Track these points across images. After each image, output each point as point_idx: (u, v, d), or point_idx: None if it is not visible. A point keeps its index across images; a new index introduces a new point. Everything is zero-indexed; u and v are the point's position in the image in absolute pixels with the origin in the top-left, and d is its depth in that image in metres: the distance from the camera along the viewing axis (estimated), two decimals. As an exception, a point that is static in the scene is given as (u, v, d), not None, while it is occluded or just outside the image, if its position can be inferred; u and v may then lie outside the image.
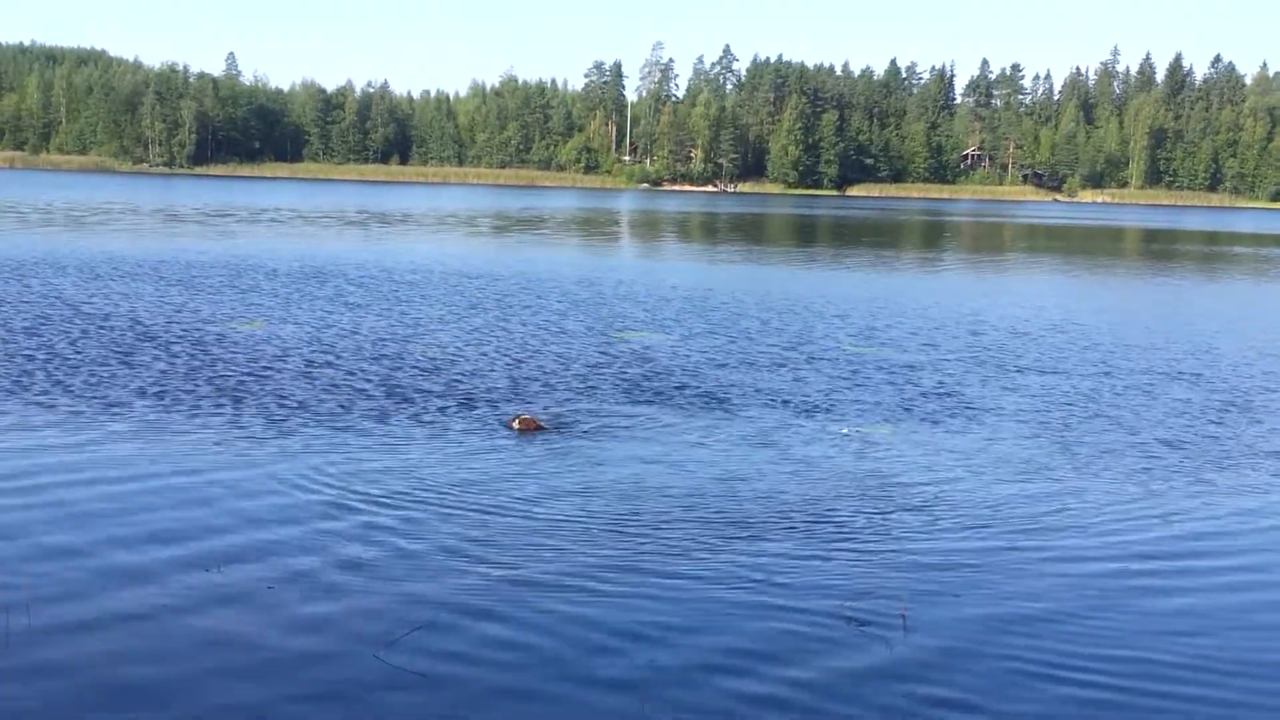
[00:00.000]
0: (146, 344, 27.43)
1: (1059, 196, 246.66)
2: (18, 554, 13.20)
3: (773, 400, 23.69)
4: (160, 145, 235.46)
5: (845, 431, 21.17)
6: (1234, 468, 19.31)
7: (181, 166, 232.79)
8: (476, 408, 21.70)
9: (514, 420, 20.11)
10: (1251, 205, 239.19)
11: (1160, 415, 23.34)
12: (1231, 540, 15.49)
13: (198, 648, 10.98)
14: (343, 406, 21.45)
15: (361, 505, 15.33)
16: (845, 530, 14.94)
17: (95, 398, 21.51)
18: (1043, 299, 46.93)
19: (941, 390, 25.38)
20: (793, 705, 10.16)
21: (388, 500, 15.58)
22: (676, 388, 24.49)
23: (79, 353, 25.91)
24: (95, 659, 10.66)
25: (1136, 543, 14.90)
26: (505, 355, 27.72)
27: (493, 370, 25.68)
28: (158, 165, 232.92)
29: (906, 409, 23.29)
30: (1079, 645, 11.59)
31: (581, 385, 24.34)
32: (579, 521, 14.76)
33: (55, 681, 10.22)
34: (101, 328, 29.48)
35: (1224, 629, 12.33)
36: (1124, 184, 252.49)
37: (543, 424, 20.09)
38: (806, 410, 22.87)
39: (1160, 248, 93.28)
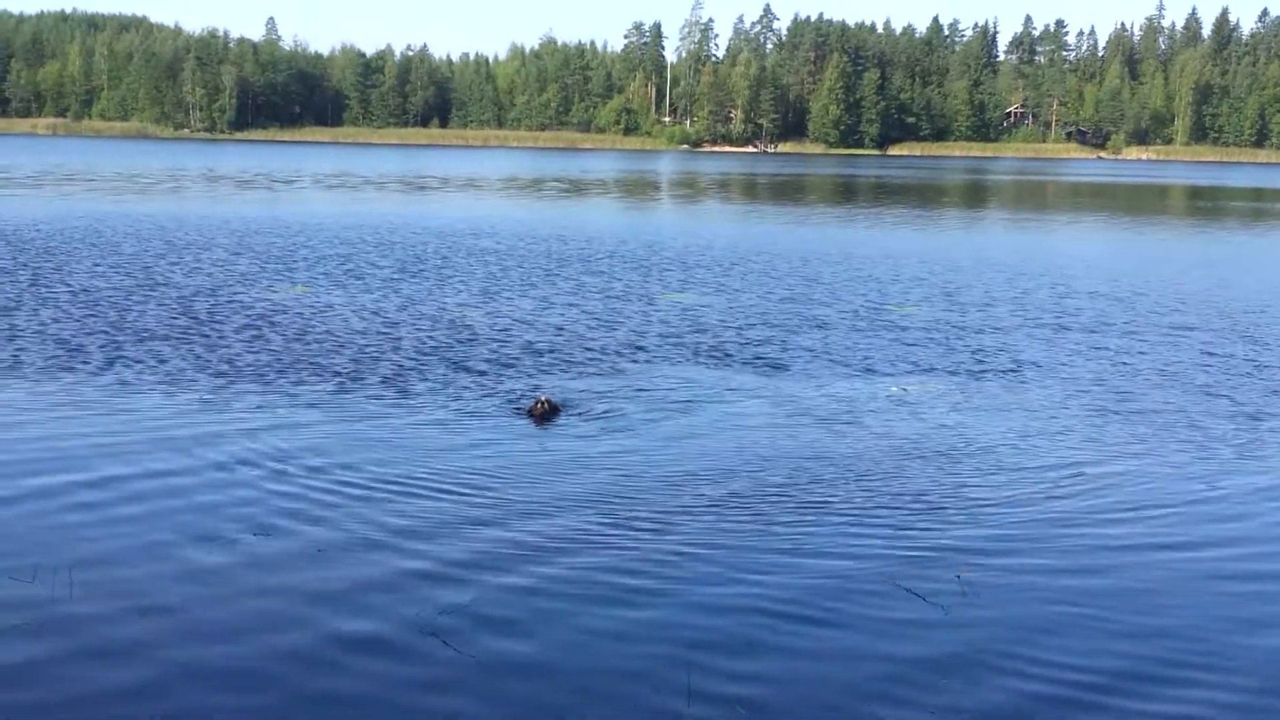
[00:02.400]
0: (190, 307, 27.64)
1: (1103, 154, 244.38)
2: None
3: (819, 360, 23.61)
4: (201, 111, 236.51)
5: (894, 390, 21.12)
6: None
7: (222, 132, 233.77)
8: (507, 376, 21.31)
9: (535, 404, 18.40)
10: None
11: (1220, 376, 22.93)
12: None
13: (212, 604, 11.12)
14: (359, 376, 20.93)
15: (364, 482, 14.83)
16: (899, 493, 14.82)
17: (126, 361, 21.62)
18: (1090, 257, 46.56)
19: (991, 349, 25.22)
20: (847, 674, 10.07)
21: (401, 477, 15.01)
22: (720, 350, 24.37)
23: (121, 319, 26.08)
24: (152, 630, 10.70)
25: (1197, 514, 14.58)
26: (539, 320, 27.58)
27: (524, 335, 25.50)
28: (199, 131, 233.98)
29: (955, 368, 23.15)
30: (1140, 615, 11.42)
31: (623, 348, 24.26)
32: (620, 502, 14.22)
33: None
34: (149, 293, 29.66)
35: None
36: (1169, 141, 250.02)
37: (558, 405, 18.63)
38: (854, 369, 22.79)
39: (1207, 205, 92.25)
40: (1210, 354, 25.23)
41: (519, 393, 19.65)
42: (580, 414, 18.41)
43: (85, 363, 21.29)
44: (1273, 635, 11.09)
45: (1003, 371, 22.98)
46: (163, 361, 21.56)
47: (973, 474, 15.85)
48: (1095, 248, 53.07)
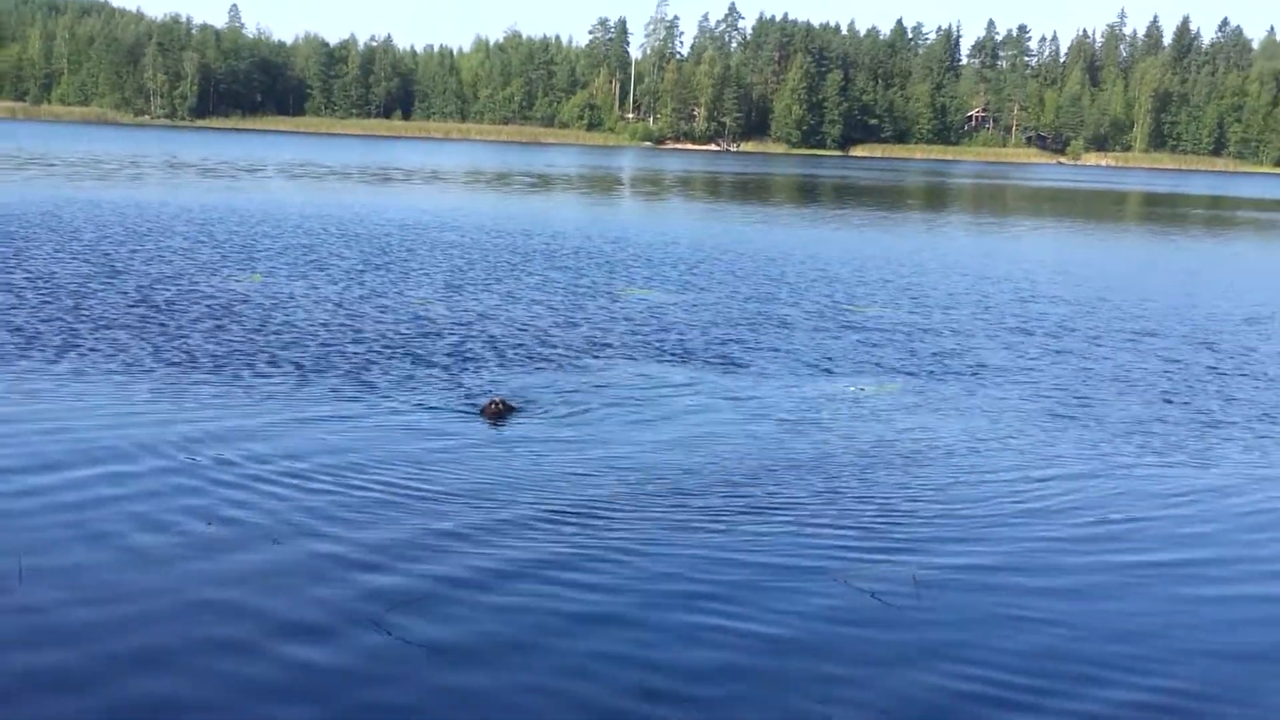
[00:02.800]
0: (148, 296, 27.56)
1: (1062, 159, 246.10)
2: None
3: (778, 359, 23.75)
4: (162, 97, 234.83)
5: (852, 390, 21.32)
6: (1250, 434, 19.43)
7: (183, 118, 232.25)
8: (466, 372, 21.23)
9: (490, 404, 18.03)
10: (1255, 170, 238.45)
11: (1178, 382, 23.20)
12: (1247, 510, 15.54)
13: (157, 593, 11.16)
14: (314, 370, 20.72)
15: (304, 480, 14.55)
16: (855, 493, 14.96)
17: (75, 347, 21.56)
18: (1050, 261, 46.88)
19: (950, 351, 25.43)
20: (802, 674, 10.14)
21: (339, 475, 14.74)
22: (678, 347, 24.47)
23: (68, 304, 26.00)
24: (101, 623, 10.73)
25: (1151, 517, 14.81)
26: (502, 314, 27.59)
27: (487, 329, 25.51)
28: (159, 117, 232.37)
29: (913, 369, 23.35)
30: (1092, 616, 11.61)
31: (581, 345, 24.28)
32: (571, 500, 14.11)
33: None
34: (107, 280, 29.54)
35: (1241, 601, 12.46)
36: (1128, 147, 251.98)
37: (514, 405, 18.26)
38: (813, 369, 22.95)
39: (1165, 212, 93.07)
40: (1168, 360, 25.51)
41: (476, 390, 19.57)
42: (536, 413, 18.20)
43: (40, 350, 21.13)
44: (1223, 633, 11.31)
45: (961, 373, 23.18)
46: (119, 350, 21.41)
47: (929, 475, 15.99)
48: (1056, 252, 53.45)
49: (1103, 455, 17.47)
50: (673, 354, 23.71)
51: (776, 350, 24.69)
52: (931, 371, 23.22)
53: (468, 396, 19.09)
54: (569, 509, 13.62)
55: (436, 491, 14.09)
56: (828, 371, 22.87)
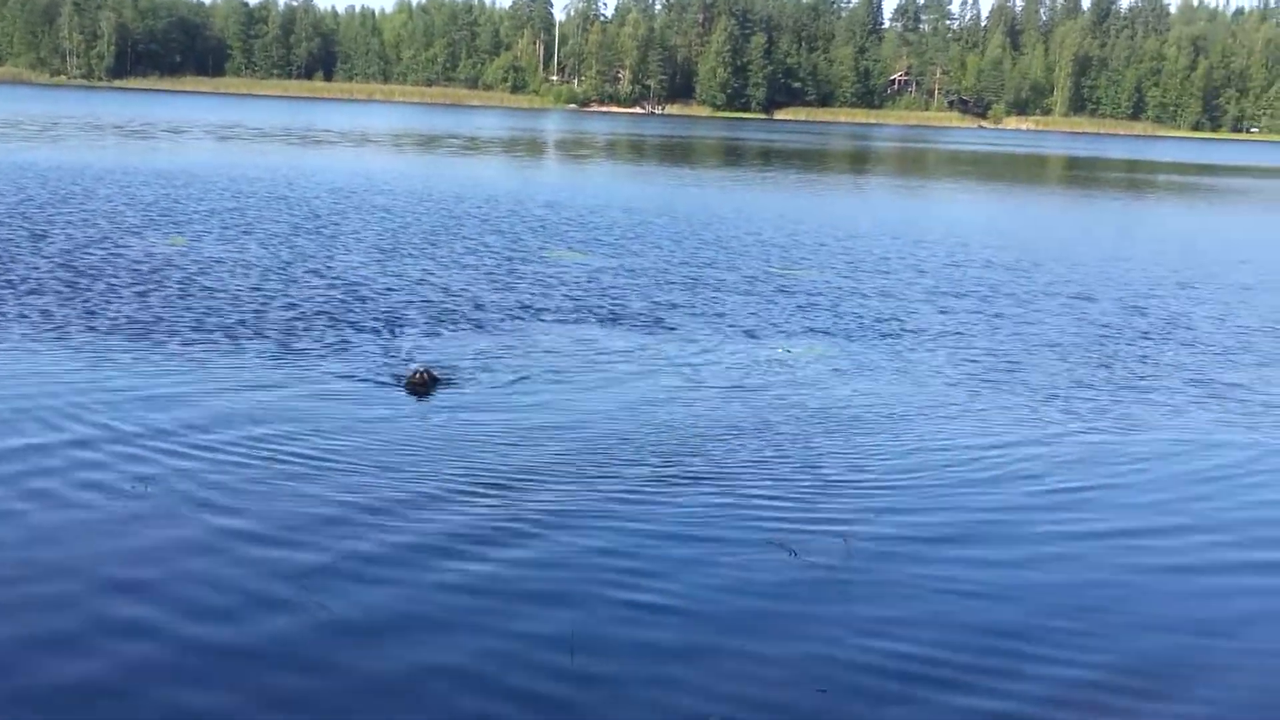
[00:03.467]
0: (61, 258, 26.97)
1: (984, 123, 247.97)
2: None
3: (704, 322, 23.63)
4: (78, 57, 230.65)
5: (782, 351, 21.27)
6: (1164, 391, 19.56)
7: (100, 79, 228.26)
8: (391, 339, 20.82)
9: (414, 375, 17.43)
10: (1173, 134, 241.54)
11: (1105, 346, 23.27)
12: (1152, 461, 15.69)
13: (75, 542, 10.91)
14: (234, 337, 20.25)
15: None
16: (784, 457, 14.86)
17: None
18: (974, 225, 47.12)
19: (877, 313, 25.45)
20: (734, 649, 9.98)
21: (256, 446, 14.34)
22: (609, 311, 24.26)
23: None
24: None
25: (1076, 480, 14.82)
26: (432, 279, 27.21)
27: (416, 295, 25.17)
28: (76, 77, 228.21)
29: (841, 331, 23.37)
30: (1018, 579, 11.61)
31: (510, 309, 24.02)
32: (493, 470, 13.73)
33: None
34: (23, 243, 28.87)
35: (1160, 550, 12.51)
36: (1048, 111, 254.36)
37: (438, 375, 17.74)
38: (738, 331, 22.88)
39: (1086, 175, 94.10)
40: (1101, 323, 25.60)
41: (402, 358, 19.14)
42: (462, 381, 17.80)
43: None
44: (1171, 604, 11.29)
45: (888, 335, 23.18)
46: (31, 315, 20.88)
47: (856, 438, 15.94)
48: (981, 216, 53.78)
49: (1034, 421, 17.48)
50: (603, 318, 23.49)
51: (706, 314, 24.56)
52: (860, 334, 23.19)
53: (393, 365, 18.60)
54: (494, 480, 13.29)
55: (355, 464, 13.66)
56: (752, 334, 22.79)
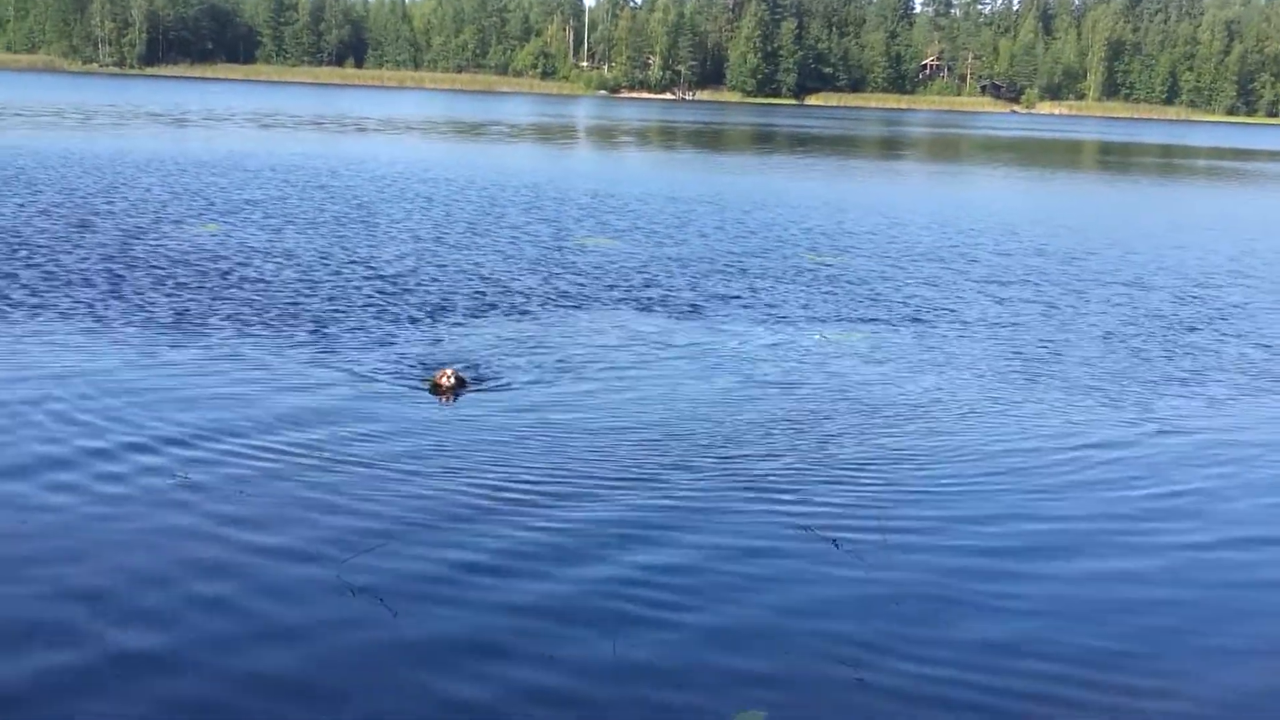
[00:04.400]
0: (94, 243, 27.20)
1: (1016, 108, 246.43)
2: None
3: (738, 309, 23.66)
4: (110, 45, 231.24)
5: (816, 337, 21.25)
6: (1226, 383, 19.38)
7: (132, 67, 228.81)
8: (422, 329, 20.72)
9: (440, 376, 16.62)
10: (1207, 119, 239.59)
11: (1150, 338, 22.96)
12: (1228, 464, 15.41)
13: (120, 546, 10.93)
14: (257, 323, 20.22)
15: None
16: (820, 444, 14.85)
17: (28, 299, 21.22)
18: (1010, 211, 46.88)
19: (915, 300, 25.39)
20: (765, 625, 10.04)
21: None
22: (639, 300, 24.26)
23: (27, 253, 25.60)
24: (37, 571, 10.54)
25: (1117, 473, 14.57)
26: (466, 267, 27.28)
27: (451, 284, 25.16)
28: (108, 65, 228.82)
29: (878, 317, 23.36)
30: (1058, 569, 11.55)
31: (540, 298, 24.08)
32: (527, 470, 13.36)
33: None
34: (70, 231, 29.10)
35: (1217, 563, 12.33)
36: (1081, 96, 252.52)
37: (465, 378, 16.87)
38: (774, 319, 22.87)
39: (1121, 160, 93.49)
40: (1153, 313, 25.29)
41: (435, 354, 18.72)
42: (492, 380, 17.20)
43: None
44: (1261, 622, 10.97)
45: (924, 322, 23.15)
46: (71, 309, 20.95)
47: (893, 425, 15.93)
48: (1021, 201, 53.62)
49: (1072, 405, 17.40)
50: (639, 307, 23.47)
51: (742, 301, 24.58)
52: (894, 320, 23.17)
53: (429, 360, 18.14)
54: (524, 483, 12.97)
55: (384, 470, 13.11)
56: (790, 319, 22.81)
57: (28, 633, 9.30)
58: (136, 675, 8.79)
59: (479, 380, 17.10)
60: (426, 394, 16.40)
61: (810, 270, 28.65)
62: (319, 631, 9.50)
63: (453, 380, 16.55)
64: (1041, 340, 21.98)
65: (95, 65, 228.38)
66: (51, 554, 10.67)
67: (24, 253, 25.73)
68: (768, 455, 14.29)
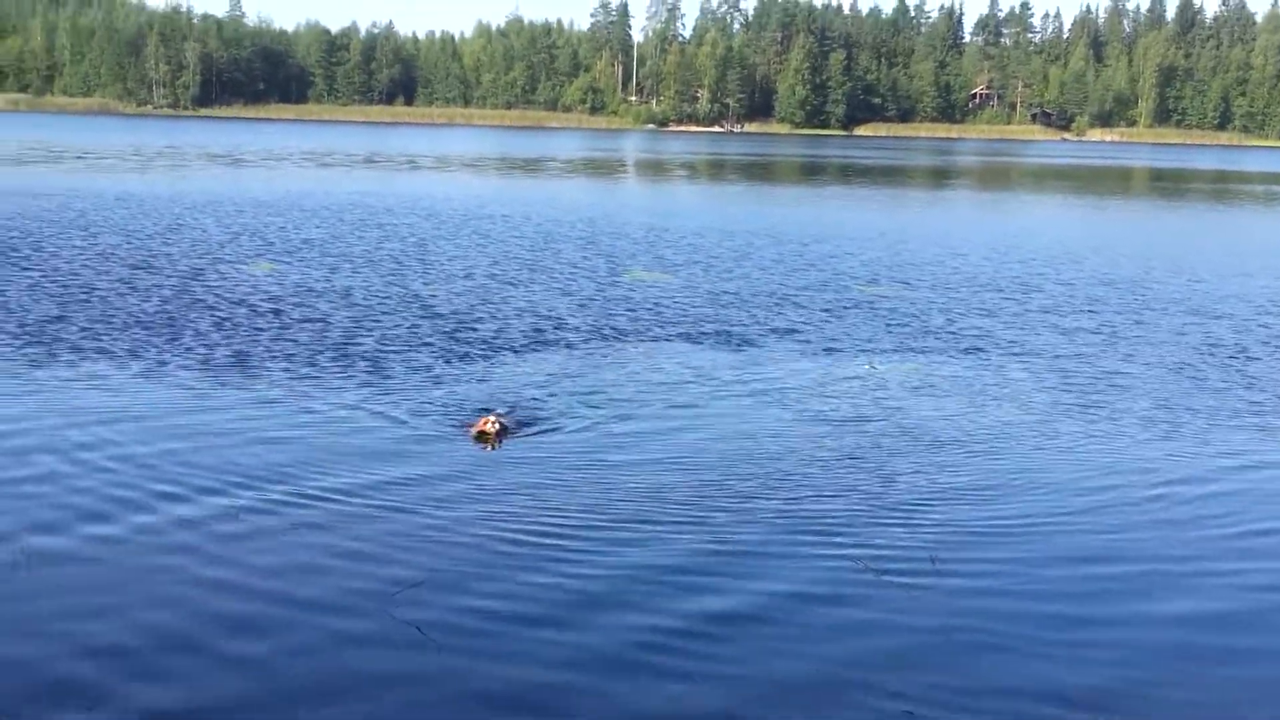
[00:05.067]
0: (148, 280, 27.35)
1: (1067, 135, 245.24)
2: None
3: (787, 340, 23.48)
4: (165, 87, 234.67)
5: (867, 367, 21.07)
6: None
7: (186, 108, 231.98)
8: (466, 364, 20.78)
9: (484, 422, 15.94)
10: (1261, 144, 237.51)
11: (1206, 358, 22.70)
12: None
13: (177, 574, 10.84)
14: (314, 365, 20.07)
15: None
16: (880, 481, 14.60)
17: (74, 342, 21.24)
18: (1065, 239, 46.43)
19: (964, 330, 25.11)
20: (813, 656, 9.91)
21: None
22: (690, 332, 24.15)
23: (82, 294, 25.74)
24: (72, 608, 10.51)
25: (1178, 508, 14.18)
26: (512, 303, 27.18)
27: (496, 318, 25.12)
28: (162, 107, 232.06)
29: (927, 348, 23.09)
30: (1118, 603, 11.28)
31: (588, 331, 24.00)
32: (572, 514, 12.99)
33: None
34: (147, 272, 29.31)
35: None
36: (1133, 123, 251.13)
37: (508, 424, 16.14)
38: (824, 350, 22.71)
39: (1177, 186, 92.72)
40: (1212, 344, 24.78)
41: (480, 391, 18.61)
42: (538, 422, 16.73)
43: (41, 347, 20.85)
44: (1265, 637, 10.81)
45: (986, 353, 22.88)
46: (131, 351, 20.97)
47: (945, 457, 15.67)
48: (1070, 231, 53.10)
49: (1132, 439, 17.03)
50: (689, 341, 23.31)
51: (784, 330, 24.41)
52: (945, 350, 22.89)
53: (470, 402, 17.79)
54: (569, 526, 12.71)
55: (419, 517, 12.83)
56: (839, 350, 22.65)
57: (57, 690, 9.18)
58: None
59: (522, 425, 16.50)
60: (472, 438, 15.79)
61: (868, 302, 28.39)
62: (360, 686, 9.31)
63: (496, 427, 15.80)
64: (1106, 371, 21.54)
65: (150, 107, 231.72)
66: (83, 608, 10.48)
67: (81, 295, 25.81)
68: (824, 495, 14.01)
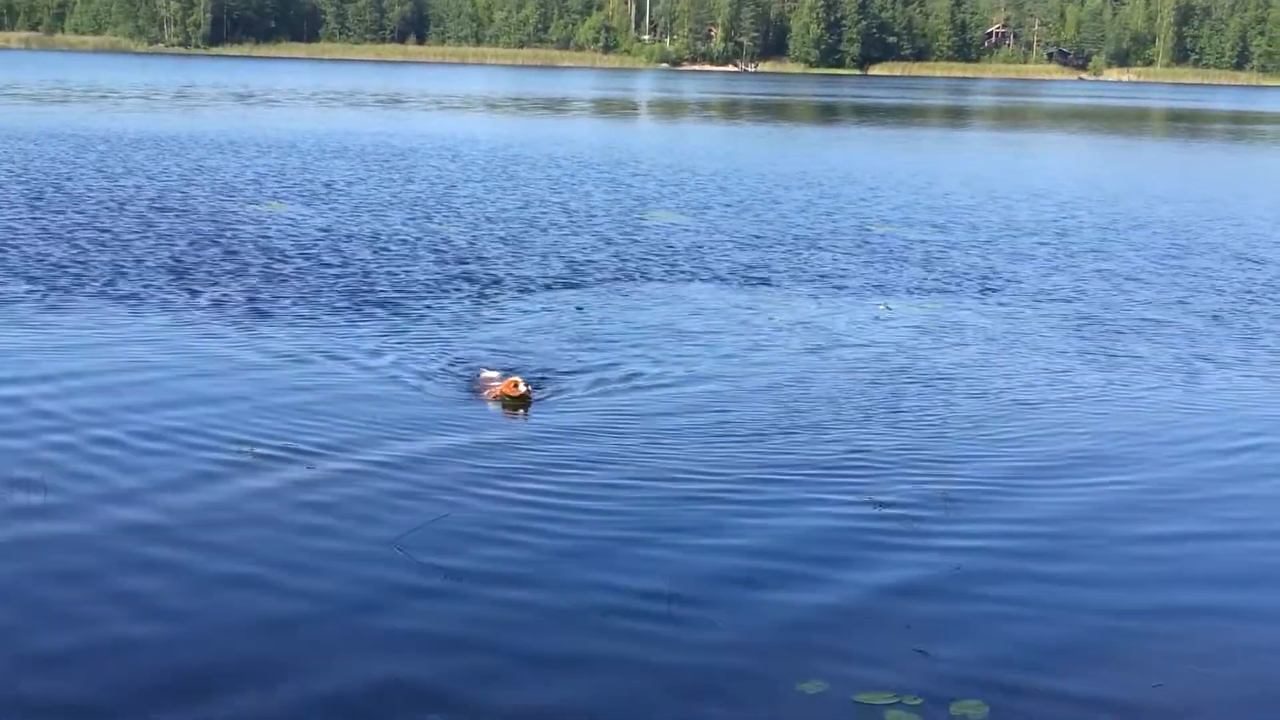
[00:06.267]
0: (164, 222, 27.64)
1: (1084, 75, 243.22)
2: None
3: (803, 280, 23.69)
4: (175, 25, 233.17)
5: (880, 306, 21.24)
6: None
7: (197, 46, 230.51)
8: (484, 301, 20.81)
9: (508, 384, 14.71)
10: (1278, 84, 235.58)
11: (1227, 308, 22.60)
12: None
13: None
14: (331, 310, 19.88)
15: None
16: (884, 414, 14.87)
17: (105, 286, 21.32)
18: (1081, 180, 46.41)
19: (977, 269, 25.33)
20: (826, 593, 10.07)
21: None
22: (703, 270, 24.41)
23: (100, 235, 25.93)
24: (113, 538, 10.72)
25: (1186, 449, 14.26)
26: (522, 241, 27.43)
27: (510, 257, 25.27)
28: (173, 45, 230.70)
29: (941, 287, 23.32)
30: (1127, 545, 11.40)
31: (608, 271, 24.21)
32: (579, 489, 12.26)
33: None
34: (123, 206, 29.58)
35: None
36: (1150, 62, 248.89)
37: (530, 389, 14.80)
38: (838, 289, 22.93)
39: (1198, 127, 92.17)
40: (1215, 283, 24.89)
41: (502, 339, 18.37)
42: (558, 380, 16.10)
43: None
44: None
45: (989, 291, 23.11)
46: (153, 294, 20.95)
47: (957, 396, 15.87)
48: (1086, 171, 53.00)
49: (1142, 380, 17.17)
50: (707, 280, 23.54)
51: (805, 271, 24.61)
52: (957, 290, 23.11)
53: (493, 348, 17.66)
54: (589, 477, 12.64)
55: (428, 474, 12.49)
56: (854, 289, 22.93)
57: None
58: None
59: (544, 379, 15.85)
60: (497, 398, 14.91)
61: (872, 241, 28.50)
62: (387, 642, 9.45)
63: (521, 389, 14.60)
64: (1130, 316, 21.50)
65: (161, 45, 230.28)
66: (84, 564, 10.32)
67: (101, 238, 25.89)
68: (838, 433, 14.15)
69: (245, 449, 12.80)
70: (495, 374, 15.51)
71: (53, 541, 10.61)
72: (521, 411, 14.48)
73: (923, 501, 12.02)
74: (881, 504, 11.90)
